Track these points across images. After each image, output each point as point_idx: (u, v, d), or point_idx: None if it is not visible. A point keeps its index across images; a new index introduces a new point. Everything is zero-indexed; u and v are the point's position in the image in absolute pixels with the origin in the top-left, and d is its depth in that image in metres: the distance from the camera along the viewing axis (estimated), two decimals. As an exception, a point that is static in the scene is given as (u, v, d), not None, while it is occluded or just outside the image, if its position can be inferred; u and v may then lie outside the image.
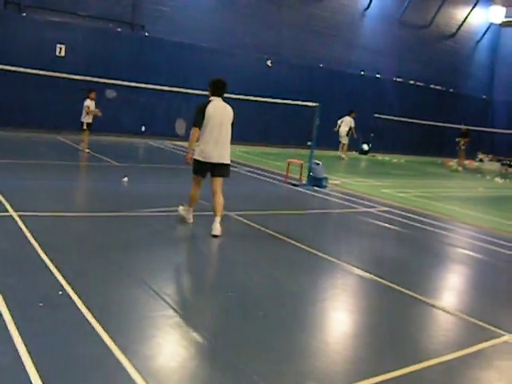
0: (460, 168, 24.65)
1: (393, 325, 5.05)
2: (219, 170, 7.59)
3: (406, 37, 30.82)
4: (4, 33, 19.81)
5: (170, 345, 4.12)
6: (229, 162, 7.68)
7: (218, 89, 7.68)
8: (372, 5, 29.18)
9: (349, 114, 23.88)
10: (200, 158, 7.50)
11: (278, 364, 3.94)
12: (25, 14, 20.35)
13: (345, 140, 23.66)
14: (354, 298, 5.88)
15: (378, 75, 29.97)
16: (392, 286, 6.08)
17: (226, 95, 7.87)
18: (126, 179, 10.97)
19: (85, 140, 15.23)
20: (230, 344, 4.15)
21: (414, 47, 31.22)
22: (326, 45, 27.85)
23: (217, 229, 7.36)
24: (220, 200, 7.55)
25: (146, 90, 19.67)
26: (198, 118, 7.42)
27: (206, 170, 7.59)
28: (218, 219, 7.43)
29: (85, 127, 15.13)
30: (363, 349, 4.47)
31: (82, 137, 15.38)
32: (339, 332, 4.92)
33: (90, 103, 15.10)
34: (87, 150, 15.10)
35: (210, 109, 7.44)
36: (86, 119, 15.08)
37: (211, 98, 7.64)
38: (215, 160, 7.49)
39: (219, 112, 7.51)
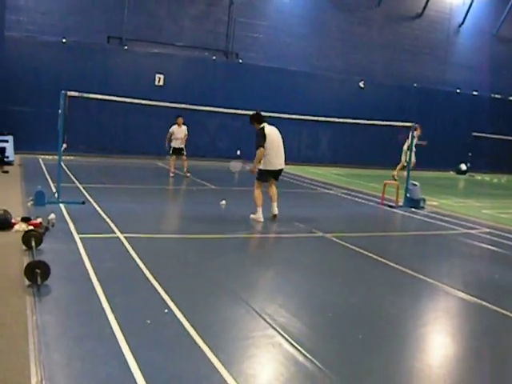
0: None
1: (497, 349, 4.84)
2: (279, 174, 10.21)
3: (503, 52, 29.66)
4: (108, 65, 21.07)
5: (272, 364, 4.17)
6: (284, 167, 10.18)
7: (263, 117, 10.07)
8: (466, 21, 28.39)
9: None
10: (265, 168, 9.86)
11: (380, 387, 3.89)
12: (126, 47, 21.53)
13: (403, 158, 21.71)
14: (456, 322, 5.69)
15: (474, 92, 28.99)
16: (496, 309, 5.82)
17: (320, 118, 8.29)
18: (223, 202, 11.26)
19: (171, 164, 15.93)
20: (331, 365, 4.13)
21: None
22: (419, 63, 27.34)
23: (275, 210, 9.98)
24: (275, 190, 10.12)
25: (240, 116, 20.12)
26: (261, 141, 9.66)
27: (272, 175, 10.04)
28: (274, 204, 10.01)
29: (170, 152, 15.88)
30: (467, 373, 4.32)
31: (170, 162, 16.13)
32: (442, 356, 4.76)
33: (174, 129, 15.78)
34: (188, 174, 15.81)
35: (267, 131, 9.79)
36: (173, 144, 15.81)
37: (262, 124, 9.89)
38: (277, 167, 9.97)
39: (273, 133, 9.93)
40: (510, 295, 6.65)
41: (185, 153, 16.01)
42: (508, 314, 5.71)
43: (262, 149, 9.64)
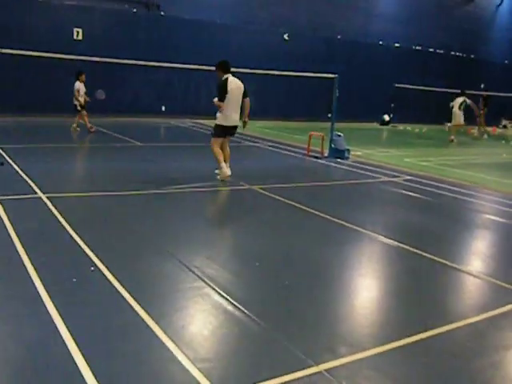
0: (485, 135, 24.26)
1: (419, 289, 5.10)
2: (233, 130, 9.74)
3: (425, 3, 30.24)
4: (22, 18, 19.91)
5: (201, 314, 4.22)
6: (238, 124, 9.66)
7: (228, 67, 9.54)
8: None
9: (461, 95, 21.43)
10: (224, 123, 9.42)
11: (309, 330, 4.03)
12: (41, -1, 20.43)
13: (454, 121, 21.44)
14: (379, 265, 5.93)
15: (396, 44, 29.54)
16: (417, 252, 6.11)
17: (245, 70, 8.41)
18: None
19: (85, 120, 15.58)
20: (258, 312, 4.23)
21: (433, 14, 30.65)
22: (343, 15, 27.48)
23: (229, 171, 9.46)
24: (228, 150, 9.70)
25: (163, 70, 19.71)
26: (221, 94, 9.26)
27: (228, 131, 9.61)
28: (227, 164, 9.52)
29: (79, 108, 15.43)
30: (390, 313, 4.54)
31: (76, 119, 15.73)
32: (366, 297, 4.98)
33: (79, 86, 15.33)
34: (92, 129, 15.62)
35: (229, 84, 9.31)
36: (79, 101, 15.37)
37: (226, 75, 9.44)
38: (234, 123, 9.50)
39: (235, 86, 9.39)
40: (429, 237, 6.98)
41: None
42: (427, 255, 6.00)
43: (220, 103, 9.29)
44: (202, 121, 20.87)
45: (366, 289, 5.19)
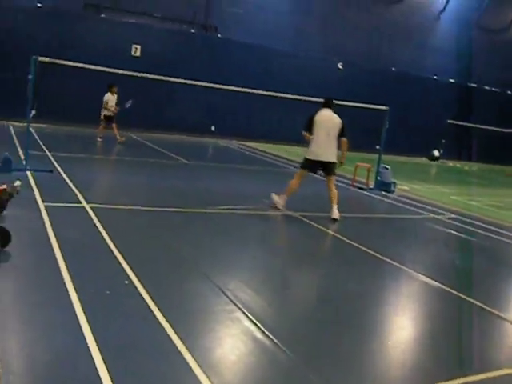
0: None
1: (455, 333, 4.92)
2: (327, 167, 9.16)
3: (483, 40, 29.83)
4: (83, 33, 20.58)
5: (229, 339, 4.16)
6: (334, 160, 9.13)
7: (325, 103, 9.30)
8: (447, 8, 28.41)
9: None
10: (308, 156, 9.14)
11: (336, 365, 3.93)
12: (103, 15, 21.09)
13: None
14: (417, 304, 5.76)
15: (451, 80, 29.18)
16: (457, 294, 5.91)
17: (294, 97, 8.34)
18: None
19: (100, 130, 16.15)
20: (289, 343, 4.15)
21: (491, 51, 30.18)
22: (398, 48, 27.35)
23: (335, 213, 8.84)
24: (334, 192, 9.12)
25: (216, 91, 19.95)
26: (306, 123, 9.13)
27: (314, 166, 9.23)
28: (335, 206, 8.92)
29: (102, 117, 16.05)
30: (423, 355, 4.38)
31: (99, 129, 16.27)
32: (400, 337, 4.83)
33: (109, 97, 15.89)
34: (122, 139, 16.12)
35: (318, 115, 9.08)
36: (105, 112, 16.00)
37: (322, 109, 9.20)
38: (323, 159, 9.02)
39: (325, 119, 9.07)
40: (471, 280, 6.75)
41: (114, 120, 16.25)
42: (467, 298, 5.80)
43: (304, 133, 9.15)
44: (248, 143, 21.02)
45: (400, 328, 5.04)
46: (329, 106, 9.21)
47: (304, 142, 9.43)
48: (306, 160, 9.17)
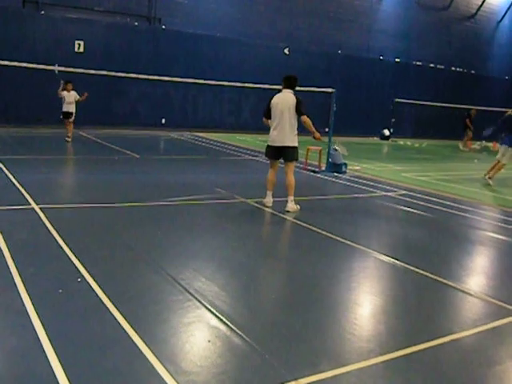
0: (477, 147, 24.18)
1: (407, 305, 5.08)
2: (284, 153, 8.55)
3: (425, 19, 30.43)
4: (23, 31, 20.09)
5: (185, 327, 4.19)
6: (290, 144, 8.46)
7: (287, 83, 8.60)
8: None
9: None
10: (268, 143, 8.68)
11: (291, 343, 4.00)
12: (43, 12, 20.60)
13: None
14: (370, 280, 5.89)
15: (397, 59, 29.68)
16: (410, 267, 6.08)
17: (242, 85, 8.19)
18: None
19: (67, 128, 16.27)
20: (243, 326, 4.21)
21: (434, 30, 30.83)
22: (344, 31, 27.65)
23: (288, 206, 8.45)
24: (288, 181, 8.58)
25: (164, 83, 19.81)
26: (265, 110, 8.61)
27: (272, 153, 8.66)
28: (289, 198, 8.49)
29: (61, 116, 16.24)
30: (377, 327, 4.51)
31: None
32: (353, 312, 4.94)
33: (65, 94, 15.97)
34: (68, 139, 16.15)
35: (272, 100, 8.55)
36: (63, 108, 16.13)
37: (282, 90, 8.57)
38: (278, 144, 8.49)
39: (278, 101, 8.46)
40: (423, 253, 6.95)
41: (72, 117, 16.19)
42: (418, 270, 5.97)
43: (264, 119, 8.70)
44: (200, 134, 20.96)
45: (354, 304, 5.15)
46: (288, 86, 8.55)
47: (263, 129, 9.36)
48: (267, 147, 8.78)
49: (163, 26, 23.03)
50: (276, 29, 25.51)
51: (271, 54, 25.16)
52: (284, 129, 8.36)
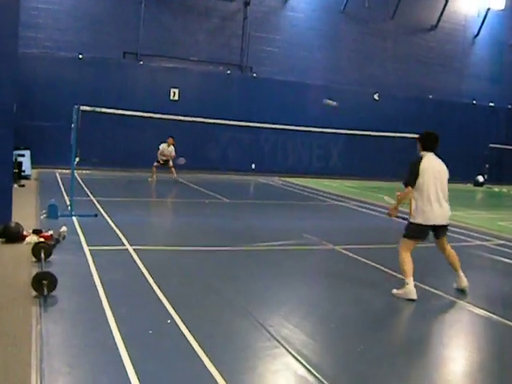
0: None
1: (504, 361, 4.78)
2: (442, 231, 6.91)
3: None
4: (123, 80, 21.34)
5: (272, 375, 4.15)
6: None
7: (430, 142, 6.95)
8: (482, 32, 28.22)
9: None
10: (419, 221, 6.65)
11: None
12: (142, 62, 21.80)
13: None
14: (464, 335, 5.63)
15: (491, 103, 28.80)
16: (506, 322, 5.75)
17: (331, 130, 8.02)
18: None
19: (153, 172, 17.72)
20: (332, 377, 4.11)
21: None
22: (434, 75, 27.21)
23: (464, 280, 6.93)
24: (452, 252, 7.11)
25: (254, 129, 20.23)
26: (409, 175, 6.72)
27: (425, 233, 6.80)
28: (460, 273, 6.99)
29: (154, 163, 17.73)
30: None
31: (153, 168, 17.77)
32: (448, 368, 4.70)
33: (163, 147, 17.54)
34: (150, 180, 17.55)
35: (424, 165, 6.69)
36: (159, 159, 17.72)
37: (422, 153, 6.88)
38: (440, 222, 6.75)
39: (432, 169, 6.77)
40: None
41: (171, 163, 17.85)
42: (516, 325, 5.64)
43: (409, 188, 6.68)
44: (290, 179, 21.14)
45: (448, 360, 4.92)
46: (433, 149, 6.94)
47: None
48: (416, 226, 6.70)
49: (254, 74, 23.67)
50: (365, 74, 25.54)
51: (360, 100, 25.14)
52: (443, 201, 6.87)
